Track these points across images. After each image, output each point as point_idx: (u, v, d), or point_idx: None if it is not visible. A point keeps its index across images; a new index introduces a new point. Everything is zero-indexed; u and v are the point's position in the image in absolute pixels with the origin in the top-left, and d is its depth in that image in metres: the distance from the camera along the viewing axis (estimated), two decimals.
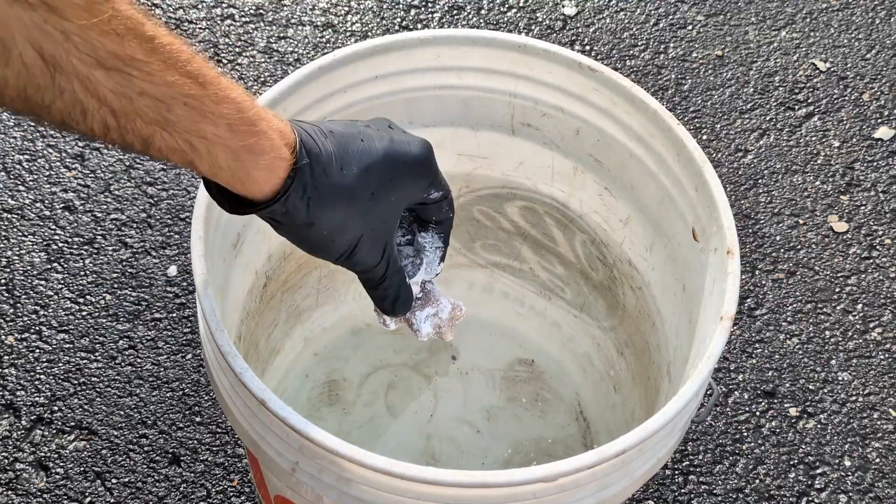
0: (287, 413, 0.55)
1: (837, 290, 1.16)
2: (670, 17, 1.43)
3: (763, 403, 1.06)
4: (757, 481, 1.01)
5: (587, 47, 1.38)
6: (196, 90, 0.47)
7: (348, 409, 0.91)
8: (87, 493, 0.96)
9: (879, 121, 1.33)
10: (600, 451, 0.55)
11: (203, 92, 0.48)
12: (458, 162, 0.87)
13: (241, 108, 0.50)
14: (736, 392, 1.07)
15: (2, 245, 1.13)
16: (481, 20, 1.40)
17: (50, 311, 1.08)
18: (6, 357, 1.04)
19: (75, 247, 1.13)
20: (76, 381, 1.03)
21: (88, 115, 0.45)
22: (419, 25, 1.38)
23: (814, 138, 1.30)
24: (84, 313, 1.08)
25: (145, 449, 0.99)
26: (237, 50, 1.33)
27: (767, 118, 1.32)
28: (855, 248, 1.20)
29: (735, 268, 0.65)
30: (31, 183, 1.18)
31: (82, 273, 1.11)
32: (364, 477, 0.56)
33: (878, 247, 1.20)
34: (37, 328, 1.06)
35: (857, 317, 1.14)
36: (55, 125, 0.46)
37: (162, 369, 1.04)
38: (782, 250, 1.19)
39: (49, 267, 1.11)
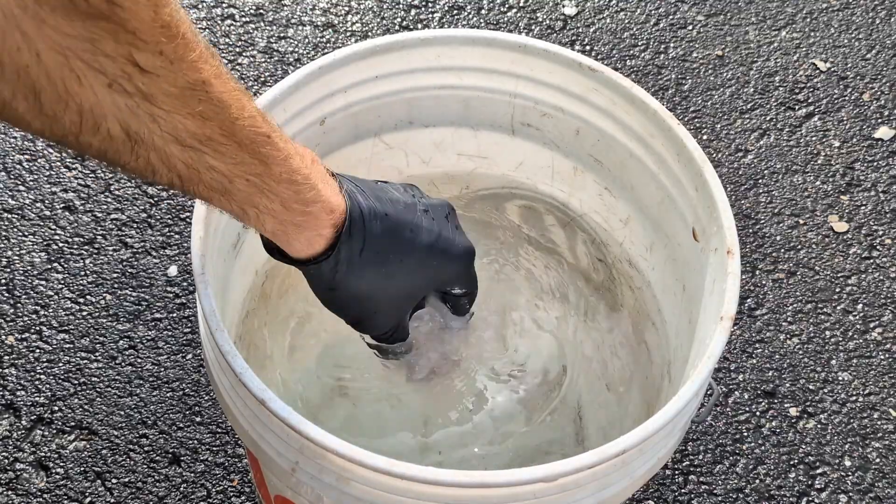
0: (287, 413, 0.55)
1: (837, 290, 1.16)
2: (670, 17, 1.43)
3: (763, 403, 1.06)
4: (757, 481, 1.01)
5: (587, 47, 1.38)
6: (261, 169, 0.50)
7: (350, 409, 0.91)
8: (87, 493, 0.96)
9: (879, 121, 1.33)
10: (600, 451, 0.55)
11: (267, 171, 0.51)
12: (458, 162, 0.87)
13: (298, 191, 0.53)
14: (736, 392, 1.07)
15: (2, 245, 1.13)
16: (481, 20, 1.40)
17: (50, 311, 1.08)
18: (6, 357, 1.04)
19: (76, 247, 1.13)
20: (76, 381, 1.03)
21: (157, 175, 0.47)
22: (419, 25, 1.38)
23: (814, 138, 1.30)
24: (84, 313, 1.08)
25: (145, 449, 0.99)
26: (237, 50, 1.33)
27: (767, 118, 1.32)
28: (855, 248, 1.20)
29: (735, 268, 0.65)
30: (31, 183, 1.18)
31: (82, 273, 1.11)
32: (364, 477, 0.56)
33: (878, 247, 1.20)
34: (37, 328, 1.06)
35: (857, 317, 1.14)
36: (127, 175, 0.51)
37: (162, 369, 1.04)
38: (782, 250, 1.19)
39: (49, 267, 1.11)
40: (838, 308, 1.14)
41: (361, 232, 0.58)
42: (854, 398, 1.07)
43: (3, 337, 1.06)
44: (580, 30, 1.40)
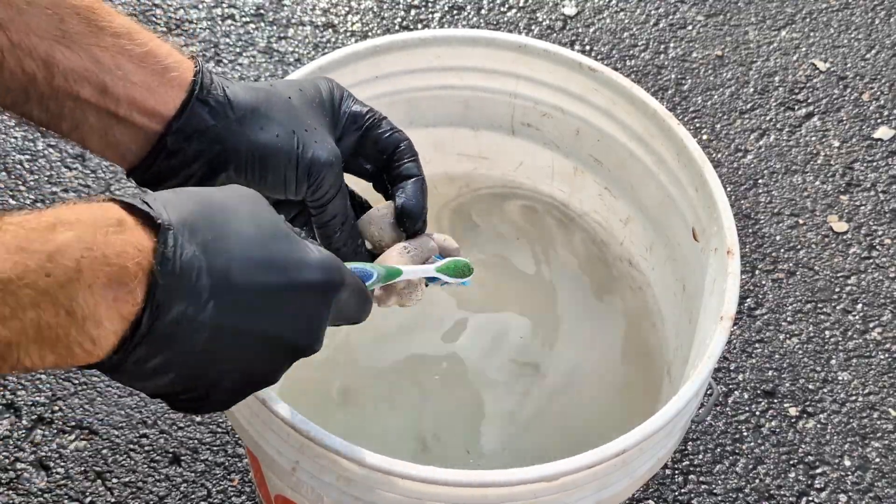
0: (287, 412, 0.55)
1: (837, 290, 1.16)
2: (670, 17, 1.43)
3: (763, 403, 1.06)
4: (757, 481, 1.01)
5: (587, 47, 1.38)
6: (88, 2, 0.48)
7: (354, 409, 0.91)
8: (87, 493, 0.96)
9: (879, 121, 1.33)
10: (600, 450, 0.55)
11: (96, 5, 0.48)
12: (458, 162, 0.87)
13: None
14: (736, 392, 1.07)
15: None
16: (481, 20, 1.40)
17: None
18: None
19: None
20: (77, 381, 1.03)
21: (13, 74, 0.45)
22: (419, 25, 1.38)
23: (814, 138, 1.31)
24: None
25: (146, 449, 0.99)
26: (237, 50, 1.33)
27: (767, 118, 1.32)
28: (855, 248, 1.20)
29: (735, 268, 0.65)
30: (31, 183, 1.18)
31: None
32: (364, 476, 0.56)
33: (878, 247, 1.20)
34: None
35: (857, 317, 1.14)
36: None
37: None
38: (782, 250, 1.19)
39: None
40: (838, 308, 1.14)
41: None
42: (854, 398, 1.07)
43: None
44: (580, 30, 1.40)
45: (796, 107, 1.34)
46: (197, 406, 0.44)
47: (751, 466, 1.02)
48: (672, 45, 1.40)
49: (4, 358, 0.36)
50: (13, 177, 1.19)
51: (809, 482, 1.01)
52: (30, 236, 0.36)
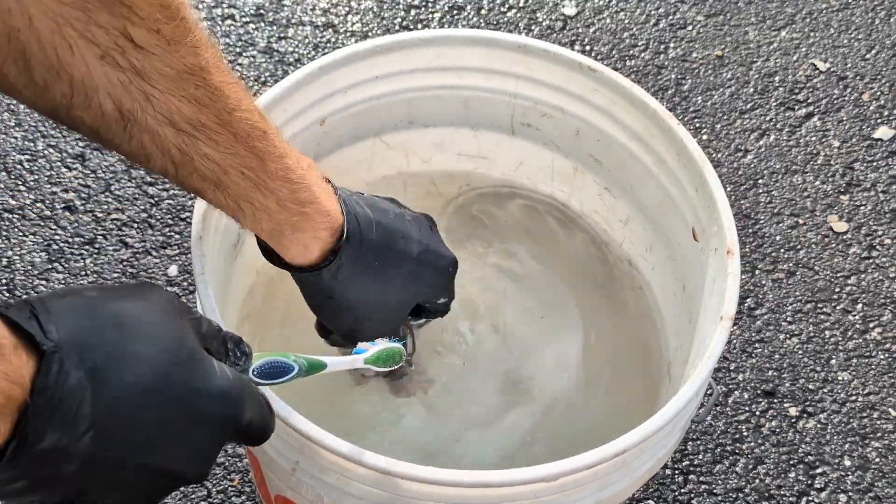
0: (287, 413, 0.55)
1: (837, 290, 1.16)
2: (670, 17, 1.43)
3: (763, 403, 1.06)
4: (757, 481, 1.01)
5: (587, 47, 1.38)
6: (255, 164, 0.49)
7: (352, 410, 0.91)
8: None
9: (879, 121, 1.33)
10: (600, 450, 0.55)
11: (262, 166, 0.50)
12: (458, 162, 0.87)
13: (294, 189, 0.52)
14: (736, 392, 1.07)
15: (2, 245, 1.13)
16: (481, 20, 1.40)
17: None
18: None
19: (76, 247, 1.13)
20: None
21: (151, 160, 0.47)
22: (419, 25, 1.38)
23: (814, 138, 1.31)
24: None
25: None
26: (237, 50, 1.33)
27: (767, 118, 1.32)
28: (855, 248, 1.20)
29: (735, 268, 0.65)
30: (31, 183, 1.18)
31: (83, 273, 1.11)
32: (364, 476, 0.56)
33: (877, 247, 1.20)
34: None
35: (856, 317, 1.14)
36: (122, 157, 0.48)
37: None
38: (782, 250, 1.19)
39: (50, 267, 1.11)
40: (838, 308, 1.14)
41: (359, 239, 0.57)
42: (854, 398, 1.07)
43: None
44: (580, 30, 1.40)
45: (796, 107, 1.34)
46: None
47: (751, 466, 1.02)
48: (672, 45, 1.40)
49: None
50: (13, 177, 1.19)
51: (809, 482, 1.01)
52: None
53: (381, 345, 0.61)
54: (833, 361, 1.10)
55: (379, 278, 0.59)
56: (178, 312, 0.43)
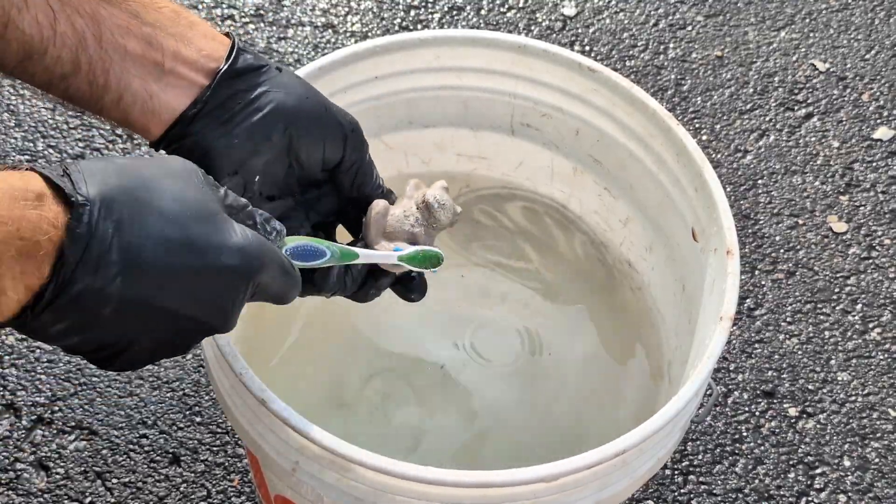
0: (287, 413, 0.55)
1: (837, 290, 1.16)
2: (670, 17, 1.43)
3: (762, 403, 1.07)
4: (756, 481, 1.01)
5: (587, 48, 1.38)
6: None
7: (352, 411, 0.91)
8: (87, 493, 0.96)
9: (879, 121, 1.33)
10: (600, 450, 0.55)
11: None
12: (457, 162, 0.87)
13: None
14: (735, 392, 1.07)
15: None
16: (481, 20, 1.40)
17: None
18: (7, 357, 1.04)
19: None
20: (76, 382, 1.03)
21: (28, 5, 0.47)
22: (419, 26, 1.38)
23: (813, 139, 1.31)
24: None
25: (145, 449, 0.99)
26: None
27: (767, 118, 1.32)
28: (854, 249, 1.20)
29: (735, 268, 0.65)
30: None
31: None
32: (364, 477, 0.56)
33: (877, 247, 1.20)
34: None
35: (856, 317, 1.14)
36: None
37: (162, 369, 1.04)
38: (782, 250, 1.19)
39: None
40: (837, 308, 1.14)
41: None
42: (853, 398, 1.07)
43: (4, 337, 1.06)
44: (579, 30, 1.40)
45: (796, 107, 1.34)
46: (108, 364, 0.45)
47: (750, 467, 1.02)
48: (672, 45, 1.40)
49: None
50: None
51: (809, 482, 1.01)
52: None
53: (421, 247, 0.57)
54: (832, 362, 1.10)
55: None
56: (202, 181, 0.46)
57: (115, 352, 0.44)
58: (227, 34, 0.56)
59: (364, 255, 0.55)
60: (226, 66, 0.53)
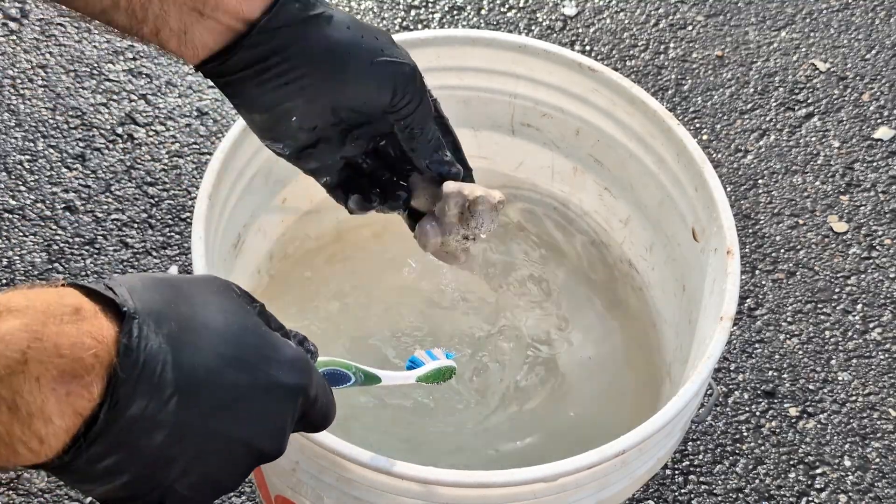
0: None
1: (837, 290, 1.16)
2: (670, 17, 1.43)
3: (763, 403, 1.06)
4: (757, 481, 1.01)
5: (587, 48, 1.38)
6: None
7: (352, 412, 0.91)
8: None
9: (879, 121, 1.33)
10: (600, 451, 0.55)
11: None
12: None
13: None
14: (736, 392, 1.07)
15: (3, 245, 1.13)
16: (481, 20, 1.40)
17: None
18: None
19: (76, 247, 1.13)
20: None
21: None
22: (419, 25, 1.38)
23: (814, 138, 1.31)
24: None
25: None
26: None
27: (767, 118, 1.32)
28: (855, 249, 1.20)
29: (735, 268, 0.65)
30: (32, 183, 1.18)
31: (83, 273, 1.11)
32: (364, 477, 0.56)
33: (877, 247, 1.20)
34: None
35: (856, 317, 1.14)
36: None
37: None
38: (782, 250, 1.19)
39: (50, 267, 1.11)
40: (838, 308, 1.14)
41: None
42: (854, 398, 1.07)
43: None
44: (580, 30, 1.40)
45: (796, 107, 1.34)
46: None
47: (751, 467, 1.02)
48: (672, 45, 1.40)
49: None
50: (13, 177, 1.19)
51: (809, 482, 1.01)
52: None
53: (436, 363, 0.60)
54: (833, 362, 1.10)
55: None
56: (240, 295, 0.43)
57: (159, 496, 0.39)
58: None
59: (386, 379, 0.56)
60: (265, 19, 0.52)
